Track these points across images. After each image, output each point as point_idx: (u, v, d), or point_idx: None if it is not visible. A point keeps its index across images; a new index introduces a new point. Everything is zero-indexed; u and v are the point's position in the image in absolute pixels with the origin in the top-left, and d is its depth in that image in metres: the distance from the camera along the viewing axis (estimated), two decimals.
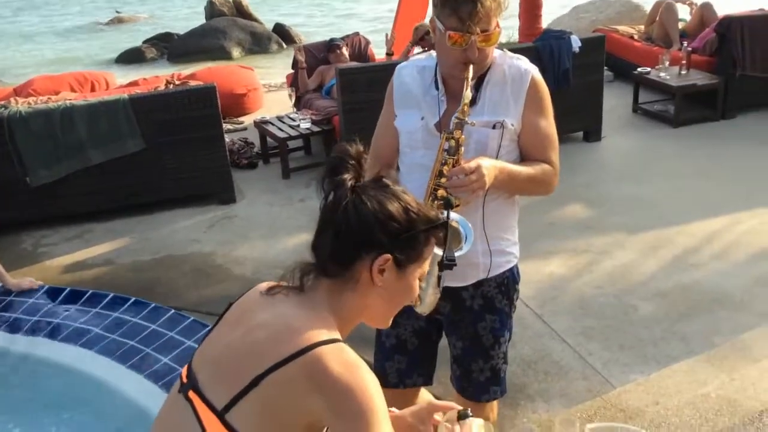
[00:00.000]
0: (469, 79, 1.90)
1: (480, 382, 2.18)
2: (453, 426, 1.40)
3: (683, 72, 6.22)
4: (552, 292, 3.79)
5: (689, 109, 6.18)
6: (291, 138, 5.57)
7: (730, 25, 6.05)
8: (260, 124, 5.90)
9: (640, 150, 5.82)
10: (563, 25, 8.37)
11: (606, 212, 4.69)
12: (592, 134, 5.89)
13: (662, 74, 6.27)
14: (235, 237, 4.60)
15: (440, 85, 2.03)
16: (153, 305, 3.31)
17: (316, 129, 5.66)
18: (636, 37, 7.44)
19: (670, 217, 4.53)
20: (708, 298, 3.63)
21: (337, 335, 1.25)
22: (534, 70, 2.05)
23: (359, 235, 1.29)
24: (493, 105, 2.01)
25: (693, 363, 2.87)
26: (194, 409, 1.25)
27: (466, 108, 1.89)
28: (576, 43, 5.48)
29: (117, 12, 19.84)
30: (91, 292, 3.52)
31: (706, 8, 7.05)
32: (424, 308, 1.91)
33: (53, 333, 3.15)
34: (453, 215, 1.77)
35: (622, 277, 3.90)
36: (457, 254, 1.77)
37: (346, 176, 1.30)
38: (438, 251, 1.71)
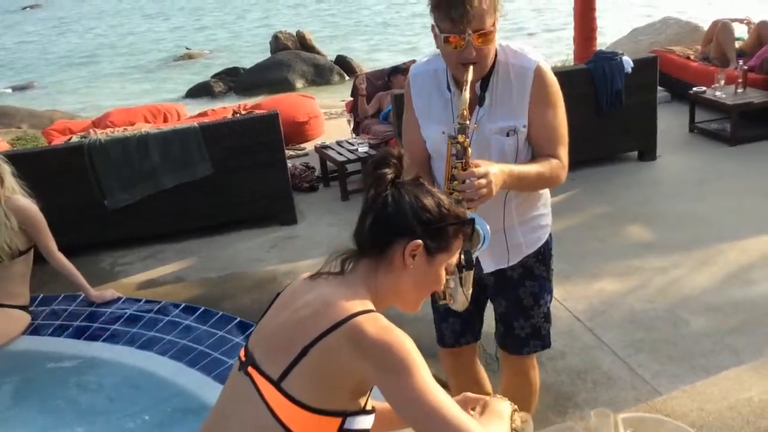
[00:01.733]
0: (469, 82, 1.95)
1: (521, 338, 2.37)
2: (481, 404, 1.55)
3: (739, 90, 6.20)
4: (602, 306, 3.86)
5: (747, 127, 6.14)
6: (349, 161, 5.80)
7: None
8: (320, 149, 6.17)
9: (695, 168, 5.81)
10: (622, 47, 8.39)
11: (660, 229, 4.72)
12: (647, 153, 5.92)
13: (718, 93, 6.27)
14: (296, 256, 4.82)
15: (452, 87, 2.12)
16: (220, 314, 3.57)
17: (373, 152, 5.87)
18: (693, 57, 7.43)
19: (726, 234, 4.52)
20: (760, 313, 3.62)
21: (372, 307, 1.42)
22: (538, 61, 2.08)
23: (395, 221, 1.46)
24: (504, 109, 2.08)
25: (740, 371, 2.91)
26: (254, 382, 1.43)
27: (465, 112, 1.92)
28: (628, 63, 5.56)
29: (187, 49, 20.76)
30: (164, 302, 3.80)
31: (764, 26, 7.00)
32: (458, 306, 2.05)
33: (131, 340, 3.42)
34: (470, 215, 1.87)
35: (674, 292, 3.93)
36: (475, 254, 1.92)
37: (387, 171, 1.48)
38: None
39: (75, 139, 6.14)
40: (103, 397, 3.13)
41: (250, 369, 1.45)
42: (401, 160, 1.52)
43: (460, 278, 1.99)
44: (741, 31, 7.46)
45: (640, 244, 4.54)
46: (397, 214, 1.47)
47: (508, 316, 2.37)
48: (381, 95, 6.78)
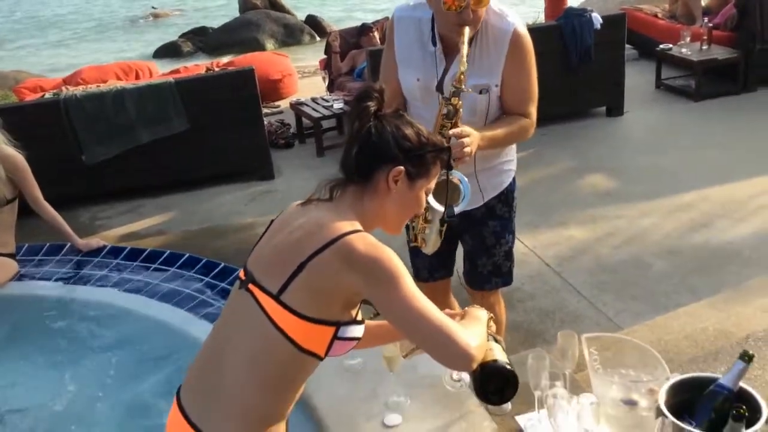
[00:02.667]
0: (466, 44, 2.03)
1: (483, 275, 2.55)
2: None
3: (704, 47, 6.38)
4: (570, 252, 4.04)
5: (711, 83, 6.34)
6: (325, 118, 5.88)
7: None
8: (296, 106, 6.23)
9: (661, 123, 6.00)
10: (592, 5, 8.49)
11: (626, 181, 4.91)
12: (615, 109, 6.09)
13: (684, 50, 6.44)
14: (274, 209, 4.86)
15: (438, 42, 2.21)
16: (205, 260, 3.67)
17: (348, 109, 5.95)
18: (660, 15, 7.59)
19: (689, 185, 4.71)
20: (720, 256, 3.84)
21: (360, 228, 1.55)
22: (516, 24, 2.17)
23: (379, 150, 1.59)
24: (480, 68, 2.19)
25: (697, 307, 3.11)
26: (254, 297, 1.56)
27: (462, 77, 2.03)
28: (597, 20, 5.68)
29: (153, 8, 20.39)
30: (149, 250, 3.88)
31: None
32: (429, 250, 2.24)
33: (119, 285, 3.51)
34: (454, 173, 2.02)
35: (639, 238, 4.13)
36: (457, 209, 2.06)
37: (370, 103, 1.60)
38: (440, 208, 2.01)
39: (48, 96, 6.11)
40: (92, 337, 3.22)
41: (250, 286, 1.57)
42: (382, 94, 1.64)
43: (441, 231, 2.16)
44: None
45: (607, 194, 4.73)
46: (380, 143, 1.59)
47: (473, 254, 2.54)
48: (354, 53, 6.82)
